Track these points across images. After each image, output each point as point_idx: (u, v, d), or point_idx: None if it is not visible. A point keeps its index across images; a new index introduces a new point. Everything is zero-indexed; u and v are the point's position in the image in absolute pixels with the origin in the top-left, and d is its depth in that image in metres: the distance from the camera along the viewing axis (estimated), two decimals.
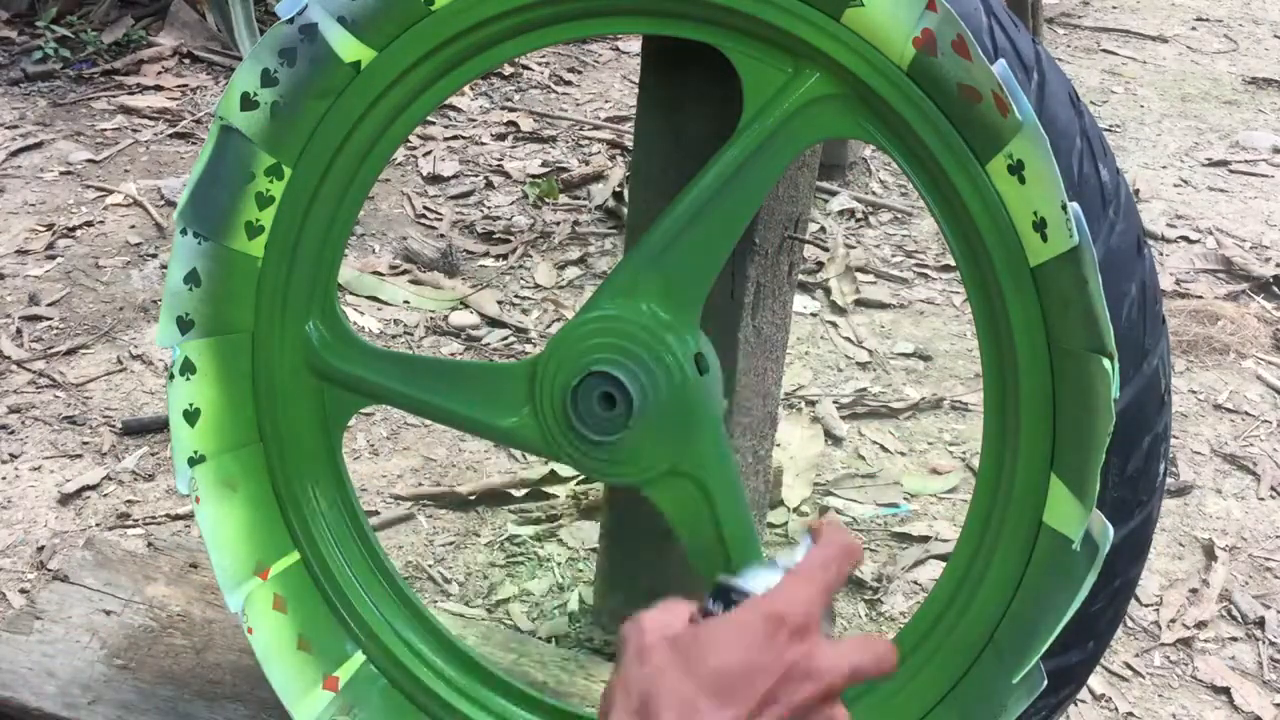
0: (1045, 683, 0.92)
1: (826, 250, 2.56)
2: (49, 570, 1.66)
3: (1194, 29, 4.18)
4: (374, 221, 2.66)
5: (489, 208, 2.77)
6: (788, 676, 0.63)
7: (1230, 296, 2.53)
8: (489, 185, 2.87)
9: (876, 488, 1.91)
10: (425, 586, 1.69)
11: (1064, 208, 0.84)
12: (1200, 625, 1.67)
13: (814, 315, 2.39)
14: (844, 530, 0.71)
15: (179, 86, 3.27)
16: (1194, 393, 2.20)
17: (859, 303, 2.44)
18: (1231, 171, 3.13)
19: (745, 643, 0.63)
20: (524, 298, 2.41)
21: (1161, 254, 2.67)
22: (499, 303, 2.38)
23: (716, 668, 0.62)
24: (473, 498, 1.85)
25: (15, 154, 2.88)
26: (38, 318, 2.26)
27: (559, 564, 1.73)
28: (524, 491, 1.86)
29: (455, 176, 2.90)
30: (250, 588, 1.12)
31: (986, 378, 0.96)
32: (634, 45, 3.62)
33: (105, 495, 1.83)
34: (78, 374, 2.11)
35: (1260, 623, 1.69)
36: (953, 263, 2.05)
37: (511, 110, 3.27)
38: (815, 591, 0.67)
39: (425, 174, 2.89)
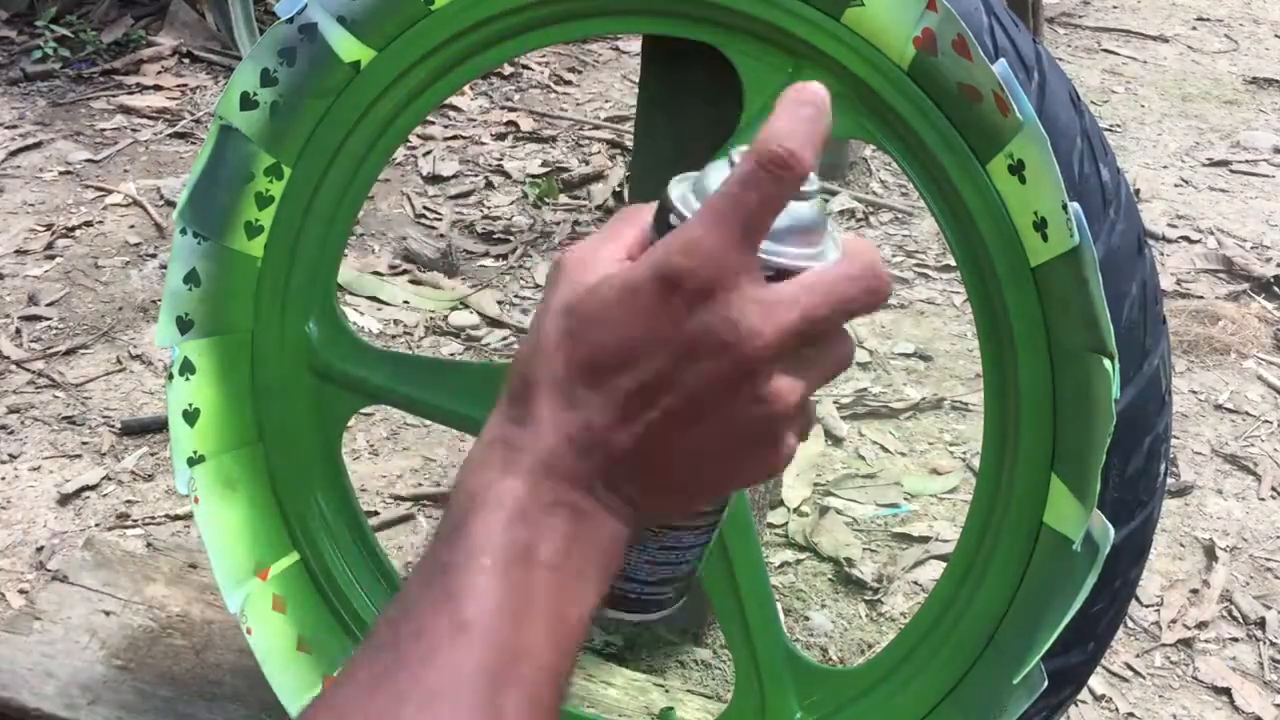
0: (1046, 683, 0.92)
1: None
2: (48, 570, 1.66)
3: (1195, 29, 4.18)
4: (374, 221, 2.66)
5: (489, 208, 2.77)
6: (688, 355, 0.48)
7: (1231, 296, 2.52)
8: (489, 185, 2.87)
9: (877, 488, 1.91)
10: None
11: (1064, 207, 0.84)
12: (1201, 626, 1.67)
13: None
14: (798, 112, 0.49)
15: (179, 86, 3.27)
16: (1194, 393, 2.19)
17: None
18: (1232, 171, 3.12)
19: (631, 313, 0.49)
20: (524, 298, 2.41)
21: (1162, 254, 2.67)
22: (499, 303, 2.38)
23: (600, 348, 0.49)
24: None
25: (15, 154, 2.88)
26: (37, 318, 2.26)
27: None
28: None
29: (455, 176, 2.90)
30: (250, 588, 1.12)
31: (986, 378, 0.96)
32: (634, 45, 3.61)
33: (105, 495, 1.83)
34: (77, 374, 2.10)
35: (1261, 623, 1.68)
36: (953, 263, 2.04)
37: (511, 110, 3.26)
38: (730, 232, 0.48)
39: (425, 174, 2.89)
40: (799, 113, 0.49)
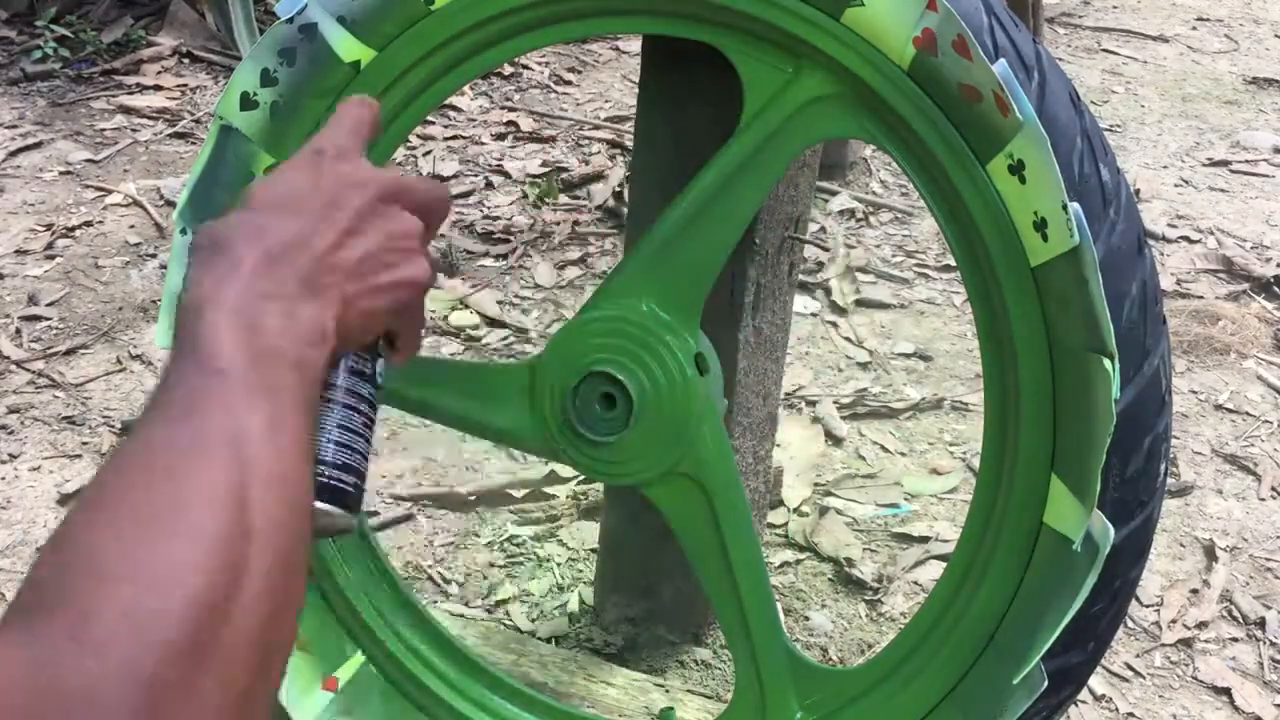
0: (1046, 683, 0.92)
1: (827, 250, 2.56)
2: None
3: (1195, 29, 4.18)
4: None
5: (489, 208, 2.77)
6: (344, 186, 0.67)
7: (1231, 296, 2.53)
8: (489, 185, 2.87)
9: (876, 488, 1.91)
10: (425, 586, 1.69)
11: (1064, 207, 0.84)
12: (1201, 626, 1.67)
13: (814, 315, 2.39)
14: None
15: (178, 86, 3.27)
16: (1194, 393, 2.19)
17: (859, 303, 2.44)
18: (1232, 171, 3.12)
19: (297, 170, 0.68)
20: (524, 298, 2.41)
21: (1162, 254, 2.67)
22: (499, 303, 2.38)
23: (276, 194, 0.66)
24: (473, 498, 1.85)
25: (15, 154, 2.88)
26: (37, 318, 2.26)
27: (559, 564, 1.72)
28: (524, 492, 1.86)
29: (455, 176, 2.90)
30: None
31: (986, 378, 0.96)
32: (634, 45, 3.61)
33: None
34: (77, 374, 2.10)
35: (1261, 623, 1.68)
36: (953, 263, 2.04)
37: (511, 110, 3.26)
38: (345, 129, 0.72)
39: (425, 174, 2.89)
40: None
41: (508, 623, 1.62)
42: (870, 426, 2.06)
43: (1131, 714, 1.54)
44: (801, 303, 2.38)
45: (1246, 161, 3.18)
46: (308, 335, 0.61)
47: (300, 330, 0.61)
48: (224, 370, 0.56)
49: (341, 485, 0.69)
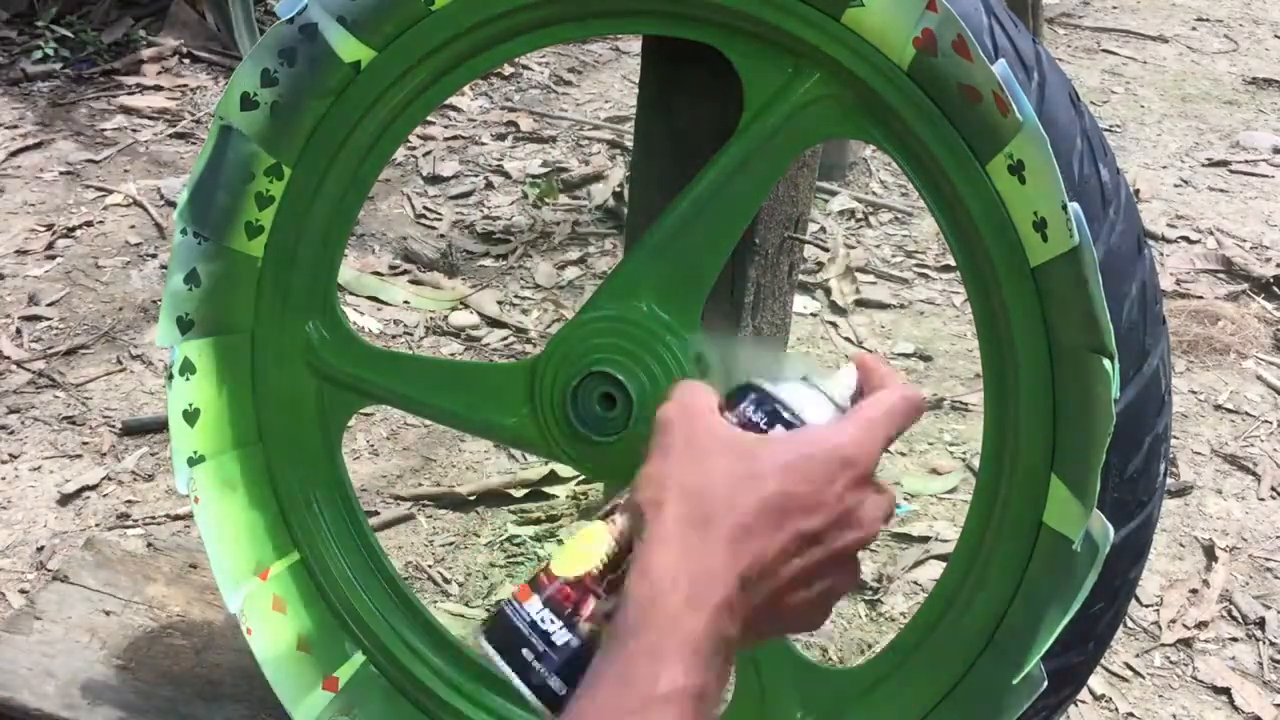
0: (1046, 683, 0.92)
1: (826, 250, 2.56)
2: (49, 570, 1.66)
3: (1194, 29, 4.18)
4: (374, 221, 2.66)
5: (489, 208, 2.77)
6: (840, 521, 0.63)
7: (1230, 297, 2.53)
8: (489, 185, 2.87)
9: None
10: (425, 586, 1.69)
11: (1064, 208, 0.84)
12: (1200, 626, 1.67)
13: (814, 315, 2.39)
14: (898, 373, 0.70)
15: (179, 86, 3.27)
16: (1194, 393, 2.20)
17: (859, 303, 2.44)
18: (1232, 172, 3.12)
19: (813, 476, 0.63)
20: (524, 298, 2.41)
21: (1162, 254, 2.67)
22: (499, 303, 2.38)
23: (781, 491, 0.62)
24: (473, 498, 1.85)
25: (15, 154, 2.88)
26: (37, 318, 2.26)
27: None
28: (524, 492, 1.86)
29: (455, 176, 2.90)
30: (250, 588, 1.12)
31: (986, 378, 0.96)
32: (634, 45, 3.61)
33: (105, 495, 1.83)
34: (77, 374, 2.10)
35: (1261, 623, 1.68)
36: (953, 263, 2.04)
37: (511, 110, 3.26)
38: (882, 440, 0.66)
39: (425, 174, 2.89)
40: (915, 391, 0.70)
41: None
42: None
43: (1131, 714, 1.54)
44: (801, 303, 2.38)
45: (1246, 162, 3.18)
46: (724, 664, 0.61)
47: (720, 688, 0.61)
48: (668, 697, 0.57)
49: None
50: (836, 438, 0.65)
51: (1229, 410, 2.15)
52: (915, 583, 1.72)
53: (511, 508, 1.84)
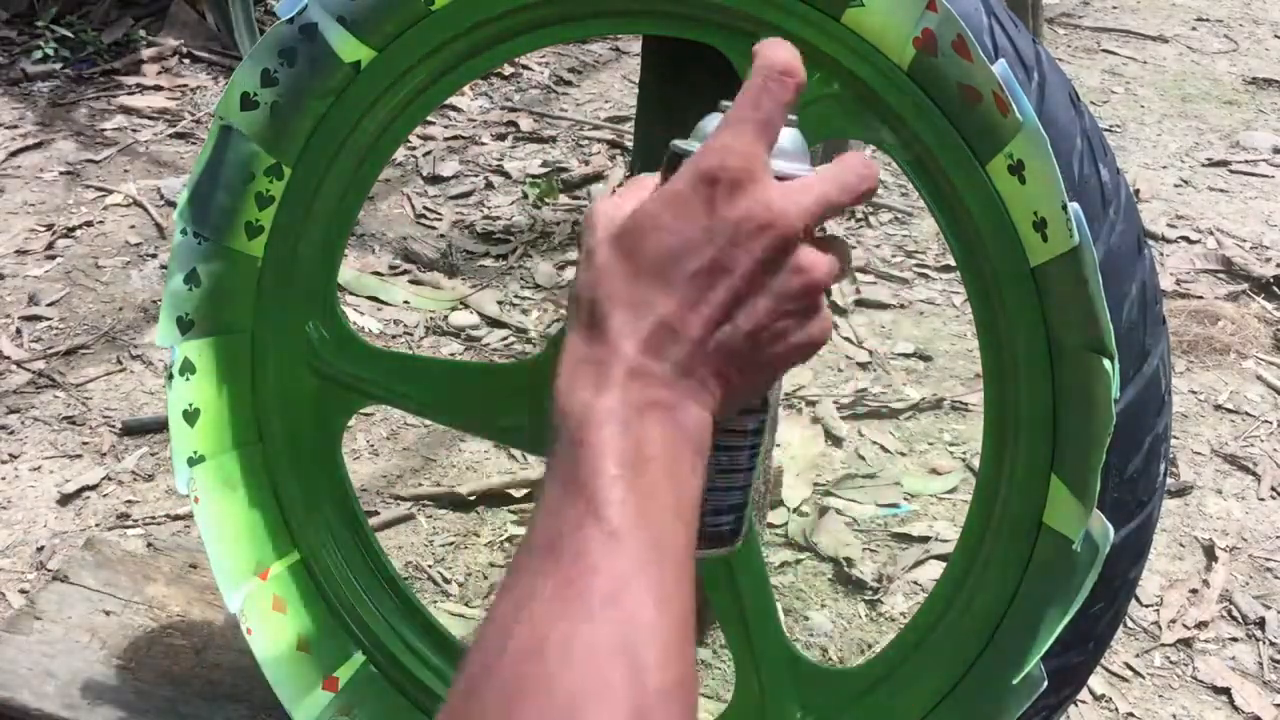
0: (1046, 683, 0.92)
1: None
2: (49, 570, 1.66)
3: (1194, 29, 4.18)
4: (374, 221, 2.66)
5: (489, 208, 2.77)
6: (735, 237, 0.57)
7: (1230, 297, 2.53)
8: (489, 185, 2.87)
9: (876, 488, 1.91)
10: (425, 586, 1.69)
11: (1064, 208, 0.84)
12: (1200, 626, 1.67)
13: None
14: (782, 46, 0.61)
15: (179, 86, 3.27)
16: (1194, 393, 2.20)
17: (859, 303, 2.44)
18: (1232, 172, 3.12)
19: (678, 214, 0.57)
20: (524, 298, 2.41)
21: (1161, 254, 2.67)
22: (499, 303, 2.38)
23: (656, 251, 0.57)
24: (473, 498, 1.85)
25: (15, 154, 2.88)
26: (37, 318, 2.26)
27: None
28: (524, 491, 1.86)
29: (455, 176, 2.90)
30: (250, 588, 1.12)
31: (986, 378, 0.96)
32: (634, 45, 3.61)
33: (105, 495, 1.83)
34: (78, 374, 2.10)
35: (1261, 623, 1.68)
36: (953, 263, 2.05)
37: (511, 110, 3.26)
38: (750, 133, 0.59)
39: (425, 174, 2.89)
40: (781, 44, 0.61)
41: None
42: (870, 426, 2.06)
43: (1131, 714, 1.54)
44: None
45: (1246, 162, 3.18)
46: (693, 441, 0.57)
47: (683, 439, 0.57)
48: (616, 534, 0.53)
49: (719, 529, 0.68)
50: (691, 162, 0.59)
51: (1229, 410, 2.15)
52: (915, 583, 1.72)
53: (511, 508, 1.84)
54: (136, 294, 2.35)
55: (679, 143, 0.65)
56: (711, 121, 0.64)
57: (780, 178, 0.60)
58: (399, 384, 1.11)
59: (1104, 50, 3.95)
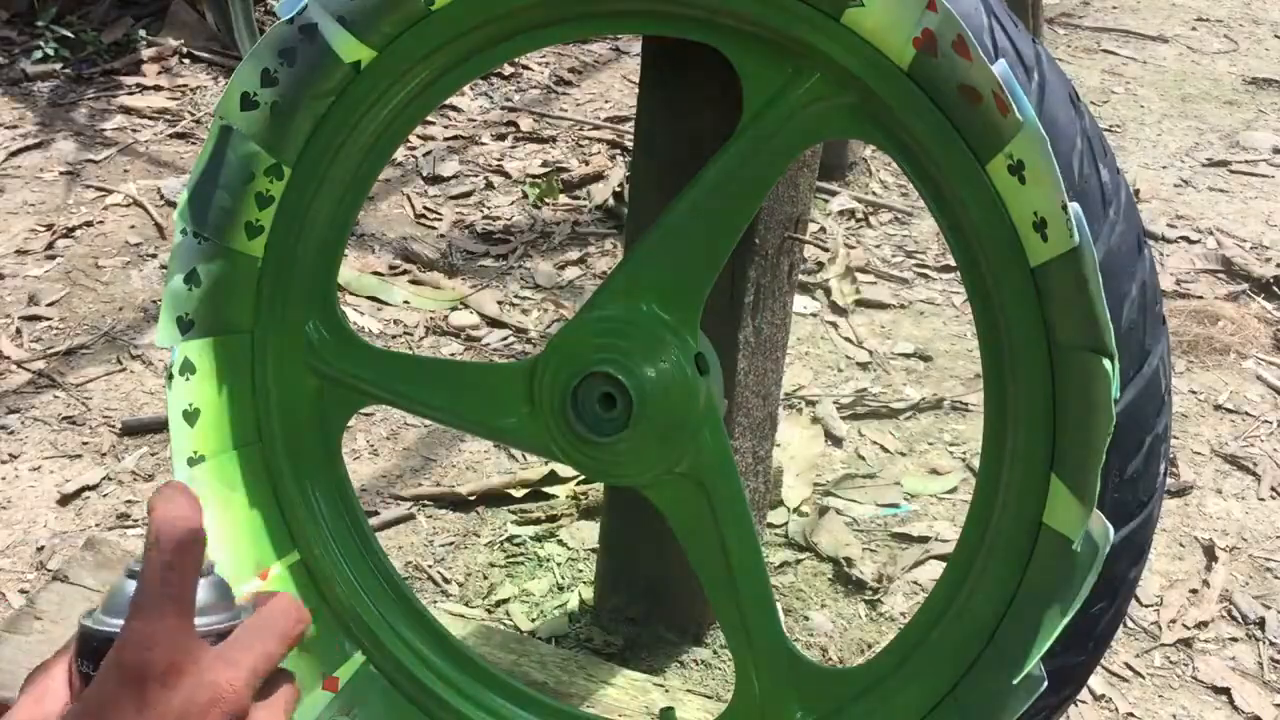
0: (1046, 683, 0.92)
1: (826, 250, 2.56)
2: (48, 570, 1.66)
3: (1194, 29, 4.18)
4: (374, 221, 2.66)
5: (489, 208, 2.77)
6: None
7: (1230, 297, 2.53)
8: (489, 185, 2.87)
9: (876, 488, 1.91)
10: (425, 586, 1.69)
11: (1064, 208, 0.83)
12: (1201, 626, 1.67)
13: (814, 315, 2.39)
14: (174, 503, 0.58)
15: (179, 86, 3.27)
16: (1194, 393, 2.20)
17: (859, 303, 2.44)
18: (1232, 172, 3.12)
19: (116, 716, 0.54)
20: (524, 298, 2.41)
21: (1162, 254, 2.67)
22: (499, 303, 2.38)
23: None
24: (473, 498, 1.85)
25: (15, 154, 2.88)
26: (37, 318, 2.26)
27: (559, 564, 1.73)
28: (524, 492, 1.86)
29: (455, 176, 2.90)
30: (250, 588, 1.12)
31: (986, 378, 0.96)
32: (634, 45, 3.61)
33: (105, 495, 1.83)
34: (78, 374, 2.11)
35: (1261, 623, 1.69)
36: (952, 263, 2.05)
37: (511, 110, 3.27)
38: (170, 613, 0.56)
39: (425, 174, 2.89)
40: (174, 501, 0.58)
41: (508, 623, 1.62)
42: (870, 426, 2.06)
43: (1131, 714, 1.54)
44: (801, 303, 2.38)
45: (1246, 162, 3.18)
46: None
47: None
48: None
49: None
50: (112, 656, 0.55)
51: (1229, 410, 2.15)
52: (915, 583, 1.72)
53: (511, 508, 1.84)
54: (136, 294, 2.35)
55: (90, 622, 0.60)
56: (125, 588, 0.60)
57: (215, 636, 0.60)
58: (399, 384, 1.11)
59: (1104, 50, 3.95)
